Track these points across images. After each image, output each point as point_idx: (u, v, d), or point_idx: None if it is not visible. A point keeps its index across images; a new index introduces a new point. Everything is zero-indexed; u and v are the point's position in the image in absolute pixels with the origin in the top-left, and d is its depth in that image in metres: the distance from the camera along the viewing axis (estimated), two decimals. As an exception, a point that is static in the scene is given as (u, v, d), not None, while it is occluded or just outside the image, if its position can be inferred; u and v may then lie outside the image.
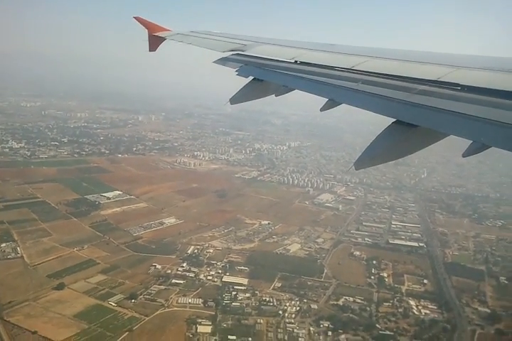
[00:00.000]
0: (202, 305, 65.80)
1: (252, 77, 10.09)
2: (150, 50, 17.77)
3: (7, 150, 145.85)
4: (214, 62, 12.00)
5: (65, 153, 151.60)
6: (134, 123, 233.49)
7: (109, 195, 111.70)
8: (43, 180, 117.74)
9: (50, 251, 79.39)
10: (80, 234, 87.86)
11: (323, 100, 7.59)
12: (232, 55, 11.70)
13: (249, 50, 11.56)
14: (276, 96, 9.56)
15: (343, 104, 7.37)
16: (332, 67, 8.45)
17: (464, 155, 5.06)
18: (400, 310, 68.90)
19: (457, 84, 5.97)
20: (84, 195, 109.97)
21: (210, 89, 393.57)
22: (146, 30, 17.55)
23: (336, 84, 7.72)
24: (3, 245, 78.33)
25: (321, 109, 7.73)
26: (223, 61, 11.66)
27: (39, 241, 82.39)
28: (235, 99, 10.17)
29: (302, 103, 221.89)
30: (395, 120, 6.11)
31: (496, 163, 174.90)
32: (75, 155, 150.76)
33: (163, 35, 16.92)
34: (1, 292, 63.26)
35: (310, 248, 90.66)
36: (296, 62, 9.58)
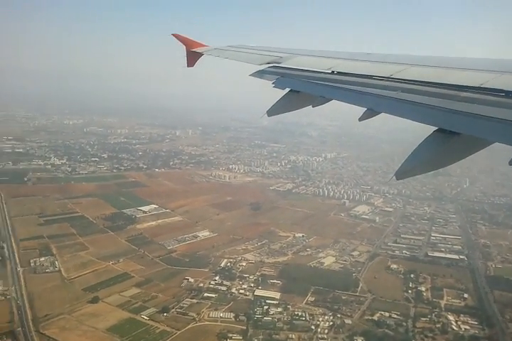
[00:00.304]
0: (233, 319, 65.28)
1: (289, 89, 10.10)
2: (188, 66, 18.01)
3: (49, 166, 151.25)
4: (251, 75, 12.07)
5: (105, 168, 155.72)
6: (172, 138, 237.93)
7: (145, 208, 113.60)
8: (83, 195, 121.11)
9: (87, 264, 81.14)
10: (116, 247, 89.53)
11: (362, 110, 7.49)
12: (269, 67, 11.78)
13: (285, 62, 11.62)
14: (313, 107, 9.46)
15: (381, 114, 7.26)
16: (369, 76, 8.39)
17: (510, 163, 4.85)
18: (438, 325, 66.08)
19: (501, 90, 5.79)
20: (121, 209, 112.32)
21: (247, 102, 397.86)
22: (184, 47, 17.86)
23: (374, 93, 7.63)
24: (42, 259, 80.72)
25: (360, 119, 7.59)
26: (260, 74, 11.74)
27: (76, 255, 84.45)
28: (272, 111, 10.21)
29: (340, 113, 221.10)
30: (436, 128, 5.99)
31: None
32: (114, 170, 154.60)
33: (200, 51, 17.16)
34: (38, 305, 65.03)
35: (345, 261, 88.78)
36: (332, 72, 9.53)
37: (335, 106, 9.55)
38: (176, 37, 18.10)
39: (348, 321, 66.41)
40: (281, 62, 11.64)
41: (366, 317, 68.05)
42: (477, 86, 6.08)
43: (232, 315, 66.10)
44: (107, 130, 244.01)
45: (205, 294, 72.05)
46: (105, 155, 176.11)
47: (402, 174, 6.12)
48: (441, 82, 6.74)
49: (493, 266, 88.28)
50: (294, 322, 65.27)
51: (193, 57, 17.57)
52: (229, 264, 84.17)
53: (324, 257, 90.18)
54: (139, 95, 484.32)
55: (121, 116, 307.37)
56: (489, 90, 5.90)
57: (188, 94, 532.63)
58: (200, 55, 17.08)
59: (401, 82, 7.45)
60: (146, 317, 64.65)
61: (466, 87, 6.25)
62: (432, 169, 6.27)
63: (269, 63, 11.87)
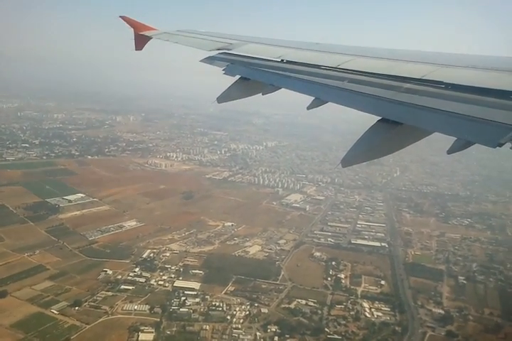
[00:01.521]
0: (148, 311, 64.03)
1: (239, 76, 10.11)
2: (136, 49, 17.88)
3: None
4: (201, 60, 12.04)
5: (34, 155, 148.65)
6: (111, 124, 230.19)
7: (71, 197, 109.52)
8: (6, 183, 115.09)
9: (-1, 257, 77.35)
10: (34, 238, 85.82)
11: (310, 99, 7.65)
12: (219, 53, 11.77)
13: (235, 48, 11.66)
14: (263, 94, 9.55)
15: (329, 104, 7.46)
16: (318, 66, 8.52)
17: (448, 152, 5.19)
18: (352, 312, 67.79)
19: (441, 82, 6.08)
20: (45, 198, 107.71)
21: (196, 88, 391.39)
22: (132, 30, 17.67)
23: (322, 83, 7.77)
24: (-51, 252, 76.19)
25: (308, 108, 7.71)
26: (210, 60, 11.70)
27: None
28: (221, 98, 10.21)
29: (290, 102, 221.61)
30: (380, 118, 6.19)
31: (470, 161, 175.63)
32: (44, 157, 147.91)
33: (149, 34, 17.02)
34: None
35: (270, 250, 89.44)
36: (282, 60, 9.65)
37: (285, 94, 9.75)
38: (124, 19, 17.93)
39: (264, 310, 66.95)
40: (231, 49, 11.70)
41: (283, 306, 68.86)
42: (419, 78, 6.40)
43: (148, 307, 64.84)
44: (42, 115, 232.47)
45: (122, 286, 70.33)
46: (37, 141, 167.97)
47: (347, 162, 6.38)
48: (386, 73, 7.03)
49: (413, 253, 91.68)
50: (210, 312, 65.03)
51: (141, 40, 17.52)
52: (152, 255, 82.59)
53: (250, 246, 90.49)
54: (84, 80, 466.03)
55: (61, 100, 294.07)
56: (430, 82, 6.22)
57: (135, 80, 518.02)
58: (149, 38, 17.06)
59: (348, 73, 7.69)
60: (55, 312, 62.29)
61: (409, 78, 6.54)
62: (376, 157, 6.57)
63: (219, 49, 11.93)
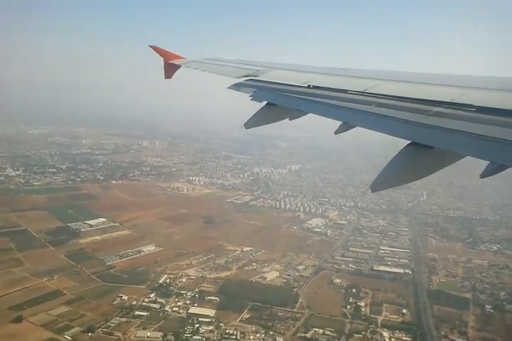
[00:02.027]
0: (161, 338, 63.11)
1: (266, 102, 10.19)
2: (166, 78, 18.40)
3: (2, 177, 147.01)
4: (228, 87, 12.15)
5: (60, 180, 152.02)
6: (138, 149, 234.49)
7: (93, 222, 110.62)
8: (30, 207, 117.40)
9: (18, 281, 77.81)
10: (54, 263, 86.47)
11: (338, 123, 7.60)
12: (246, 80, 11.92)
13: (262, 75, 11.86)
14: (290, 120, 9.58)
15: (357, 127, 7.37)
16: (344, 91, 8.54)
17: (481, 176, 5.05)
18: (371, 343, 65.18)
19: (471, 106, 5.98)
20: (67, 222, 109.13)
21: (225, 114, 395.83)
22: (162, 58, 18.28)
23: (349, 107, 7.80)
24: (-29, 276, 77.35)
25: (335, 132, 7.65)
26: (237, 87, 11.85)
27: (9, 272, 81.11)
28: (249, 124, 10.28)
29: (317, 126, 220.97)
30: (409, 142, 6.10)
31: (500, 184, 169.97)
32: (69, 182, 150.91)
33: (178, 63, 17.55)
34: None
35: (289, 275, 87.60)
36: (308, 86, 9.72)
37: (314, 119, 9.55)
38: (153, 49, 18.50)
39: (279, 339, 64.93)
40: (258, 76, 11.86)
41: (299, 335, 66.71)
42: (449, 101, 6.29)
43: (160, 334, 63.90)
44: (71, 140, 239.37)
45: (137, 312, 69.62)
46: (64, 167, 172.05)
47: (376, 186, 6.20)
48: (414, 97, 6.96)
49: (437, 280, 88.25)
50: (223, 341, 63.58)
51: (170, 68, 18.03)
52: (168, 280, 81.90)
53: (268, 272, 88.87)
54: (115, 105, 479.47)
55: (91, 126, 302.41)
56: (460, 105, 6.10)
57: (164, 105, 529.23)
58: (178, 67, 17.51)
59: (375, 97, 7.63)
60: (68, 337, 61.91)
61: (439, 101, 6.43)
62: (406, 182, 6.36)
63: (246, 76, 12.07)
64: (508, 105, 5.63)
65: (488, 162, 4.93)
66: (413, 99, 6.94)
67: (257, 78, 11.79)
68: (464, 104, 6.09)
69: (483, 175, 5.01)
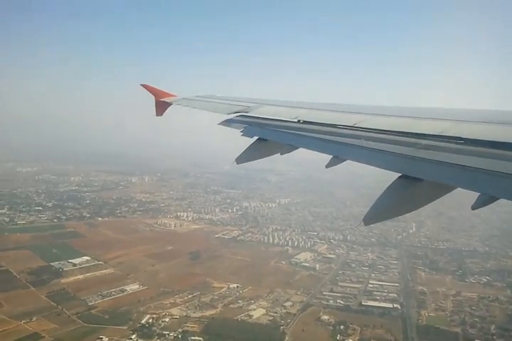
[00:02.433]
0: (142, 382, 60.65)
1: (257, 137, 10.29)
2: (157, 115, 18.71)
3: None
4: (219, 124, 12.36)
5: (45, 218, 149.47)
6: (126, 185, 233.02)
7: (77, 261, 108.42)
8: (13, 247, 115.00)
9: (-4, 324, 75.36)
10: (34, 304, 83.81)
11: (329, 157, 7.68)
12: (237, 116, 12.10)
13: (252, 111, 12.02)
14: (281, 154, 9.65)
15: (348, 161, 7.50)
16: (335, 125, 8.76)
17: (472, 208, 5.03)
18: (361, 382, 63.00)
19: (460, 138, 6.14)
20: (50, 261, 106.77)
21: (216, 151, 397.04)
22: (153, 96, 18.62)
23: (339, 141, 7.97)
24: None
25: (327, 166, 7.73)
26: (228, 123, 12.04)
27: (-13, 315, 78.64)
28: (240, 159, 10.37)
29: (309, 160, 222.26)
30: (400, 174, 6.19)
31: (489, 215, 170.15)
32: (55, 220, 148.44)
33: (169, 101, 17.85)
34: None
35: (275, 313, 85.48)
36: (299, 121, 9.96)
37: (303, 154, 9.72)
38: (145, 87, 18.87)
39: (266, 381, 62.65)
40: (248, 112, 12.04)
41: (286, 376, 64.48)
42: (437, 134, 6.47)
43: (142, 378, 61.50)
44: (59, 178, 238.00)
45: (116, 355, 67.36)
46: (50, 204, 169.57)
47: (369, 219, 6.22)
48: (403, 130, 7.16)
49: (427, 314, 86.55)
50: (207, 384, 61.11)
51: (161, 106, 18.30)
52: (151, 320, 79.41)
53: (255, 309, 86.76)
54: (106, 142, 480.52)
55: (80, 163, 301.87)
56: (448, 138, 6.28)
57: (156, 142, 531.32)
58: (169, 104, 17.77)
59: (365, 131, 7.86)
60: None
61: (427, 134, 6.64)
62: (398, 214, 6.42)
63: (236, 112, 12.27)
64: (495, 137, 5.77)
65: (479, 193, 4.98)
66: (402, 132, 7.13)
67: (247, 114, 11.97)
68: (453, 137, 6.24)
69: (474, 207, 5.02)
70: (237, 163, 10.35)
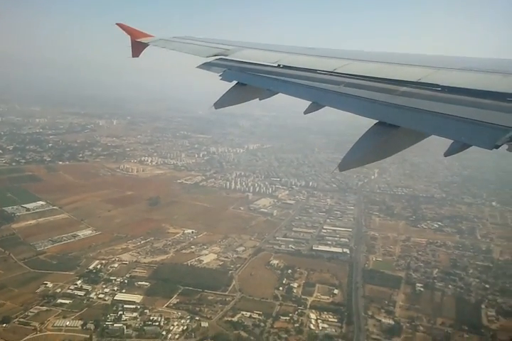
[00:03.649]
0: (80, 327, 61.12)
1: (236, 82, 10.13)
2: (133, 56, 18.02)
3: None
4: (198, 67, 12.06)
5: (4, 161, 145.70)
6: (93, 129, 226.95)
7: (31, 205, 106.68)
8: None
9: None
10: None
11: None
12: (216, 60, 11.83)
13: (232, 54, 11.74)
14: (260, 99, 9.54)
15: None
16: (314, 71, 8.63)
17: (445, 155, 5.22)
18: (297, 324, 64.93)
19: (437, 85, 6.14)
20: (3, 206, 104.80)
21: (193, 95, 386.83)
22: (129, 36, 17.83)
23: (318, 87, 7.87)
24: None
25: (305, 112, 7.70)
26: (207, 66, 11.76)
27: None
28: (219, 104, 10.18)
29: (286, 105, 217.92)
30: (377, 121, 6.28)
31: (453, 161, 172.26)
32: (14, 163, 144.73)
33: (145, 41, 17.20)
34: None
35: (226, 258, 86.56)
36: (279, 65, 9.72)
37: (282, 99, 9.84)
38: (120, 27, 18.09)
39: (204, 324, 63.86)
40: (228, 55, 11.75)
41: (226, 319, 65.85)
42: (415, 81, 6.45)
43: (80, 322, 61.79)
44: (24, 119, 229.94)
45: (59, 300, 67.19)
46: (11, 147, 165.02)
47: (344, 166, 6.35)
48: (382, 76, 7.06)
49: (374, 259, 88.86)
50: (146, 328, 61.88)
51: (138, 47, 17.68)
52: (99, 266, 79.53)
53: (206, 254, 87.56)
54: (79, 83, 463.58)
55: (48, 105, 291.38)
56: (426, 85, 6.27)
57: (131, 84, 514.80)
58: (146, 45, 17.21)
59: (344, 77, 7.72)
60: (-20, 330, 59.55)
61: (405, 81, 6.60)
62: (373, 160, 6.50)
63: (216, 55, 11.97)
64: (473, 85, 5.77)
65: (452, 141, 5.11)
66: (381, 78, 7.04)
67: (227, 57, 11.72)
68: (430, 84, 6.22)
69: (447, 154, 5.16)
70: (216, 108, 10.19)
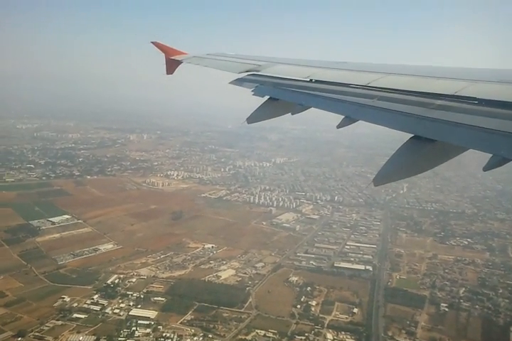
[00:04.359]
0: (93, 342, 61.09)
1: (268, 97, 10.19)
2: (167, 74, 18.38)
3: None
4: (230, 83, 12.18)
5: (35, 175, 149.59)
6: (123, 143, 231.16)
7: (56, 219, 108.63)
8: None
9: (-38, 282, 76.17)
10: (4, 263, 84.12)
11: (337, 115, 7.62)
12: (248, 75, 11.95)
13: (264, 70, 11.90)
14: (292, 114, 9.55)
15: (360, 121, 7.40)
16: (347, 85, 8.58)
17: (484, 169, 5.05)
18: (312, 345, 62.86)
19: (474, 98, 6.01)
20: (30, 220, 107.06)
21: (225, 110, 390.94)
22: (164, 54, 18.22)
23: (351, 101, 7.80)
24: None
25: (338, 126, 7.63)
26: (239, 82, 11.88)
27: (-44, 272, 79.45)
28: (251, 119, 10.33)
29: (317, 119, 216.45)
30: (412, 135, 6.13)
31: (486, 175, 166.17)
32: (44, 177, 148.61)
33: (179, 59, 17.56)
34: None
35: (245, 274, 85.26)
36: (310, 80, 9.76)
37: (315, 113, 9.77)
38: (155, 45, 18.37)
39: (217, 342, 62.79)
40: (260, 71, 11.88)
41: (240, 337, 64.36)
42: (451, 94, 6.33)
43: (93, 338, 61.76)
44: (58, 135, 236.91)
45: (75, 315, 67.32)
46: (42, 162, 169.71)
47: (379, 180, 6.26)
48: (417, 90, 6.97)
49: (398, 277, 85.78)
50: (157, 344, 61.36)
51: (172, 64, 17.97)
52: (117, 280, 79.55)
53: (225, 270, 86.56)
54: (114, 100, 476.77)
55: (81, 120, 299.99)
56: (463, 98, 6.15)
57: (165, 100, 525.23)
58: (180, 62, 17.47)
59: (378, 90, 7.66)
60: (-4, 343, 60.09)
61: (441, 95, 6.48)
62: (409, 175, 6.38)
63: (248, 71, 12.10)
64: (511, 97, 5.60)
65: (491, 155, 4.94)
66: (416, 92, 6.95)
67: (259, 73, 11.81)
68: (467, 97, 6.10)
69: (486, 168, 5.00)
70: (248, 123, 10.34)
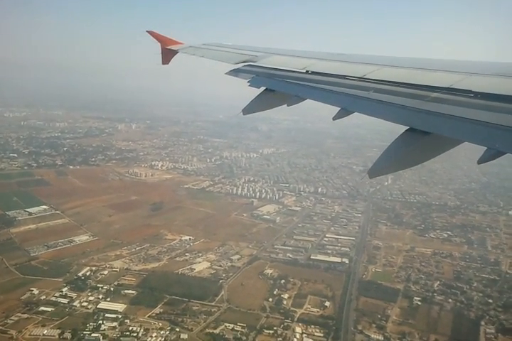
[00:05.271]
0: (57, 336, 60.13)
1: (264, 88, 10.12)
2: (163, 63, 18.29)
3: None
4: (226, 73, 12.21)
5: (16, 165, 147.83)
6: (110, 133, 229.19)
7: (34, 210, 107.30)
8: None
9: None
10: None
11: (337, 109, 7.52)
12: (244, 66, 11.94)
13: (260, 61, 11.85)
14: (288, 106, 9.49)
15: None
16: (343, 76, 8.60)
17: (479, 162, 5.02)
18: (280, 339, 62.30)
19: (470, 91, 6.02)
20: (6, 210, 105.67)
21: (221, 100, 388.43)
22: (159, 44, 18.13)
23: (347, 93, 7.79)
24: None
25: (334, 118, 7.58)
26: (235, 72, 11.88)
27: None
28: (247, 110, 10.18)
29: (312, 110, 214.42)
30: (407, 128, 6.11)
31: (472, 167, 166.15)
32: (25, 167, 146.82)
33: (175, 48, 17.49)
34: None
35: (220, 266, 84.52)
36: (307, 71, 9.73)
37: (310, 105, 9.80)
38: (151, 34, 18.32)
39: (184, 335, 61.81)
40: (256, 61, 11.85)
41: (207, 331, 63.68)
42: (447, 86, 6.35)
43: (58, 331, 60.88)
44: (45, 123, 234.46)
45: (42, 308, 66.37)
46: (26, 151, 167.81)
47: (374, 172, 6.27)
48: (413, 82, 7.03)
49: (374, 269, 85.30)
50: (122, 338, 60.48)
51: (168, 54, 17.92)
52: (89, 273, 78.49)
53: (200, 262, 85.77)
54: (108, 89, 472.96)
55: (71, 108, 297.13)
56: (458, 91, 6.16)
57: (161, 90, 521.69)
58: (175, 52, 17.41)
59: (373, 83, 7.69)
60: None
61: (437, 87, 6.49)
62: (404, 167, 6.39)
63: (244, 62, 12.08)
64: (507, 91, 5.62)
65: (480, 148, 4.95)
66: (411, 84, 6.96)
67: (255, 64, 11.77)
68: (463, 90, 6.11)
69: (481, 161, 4.96)
70: (244, 114, 10.20)
